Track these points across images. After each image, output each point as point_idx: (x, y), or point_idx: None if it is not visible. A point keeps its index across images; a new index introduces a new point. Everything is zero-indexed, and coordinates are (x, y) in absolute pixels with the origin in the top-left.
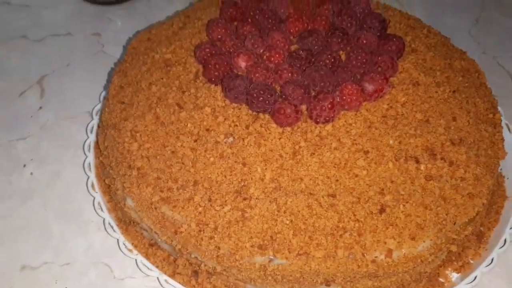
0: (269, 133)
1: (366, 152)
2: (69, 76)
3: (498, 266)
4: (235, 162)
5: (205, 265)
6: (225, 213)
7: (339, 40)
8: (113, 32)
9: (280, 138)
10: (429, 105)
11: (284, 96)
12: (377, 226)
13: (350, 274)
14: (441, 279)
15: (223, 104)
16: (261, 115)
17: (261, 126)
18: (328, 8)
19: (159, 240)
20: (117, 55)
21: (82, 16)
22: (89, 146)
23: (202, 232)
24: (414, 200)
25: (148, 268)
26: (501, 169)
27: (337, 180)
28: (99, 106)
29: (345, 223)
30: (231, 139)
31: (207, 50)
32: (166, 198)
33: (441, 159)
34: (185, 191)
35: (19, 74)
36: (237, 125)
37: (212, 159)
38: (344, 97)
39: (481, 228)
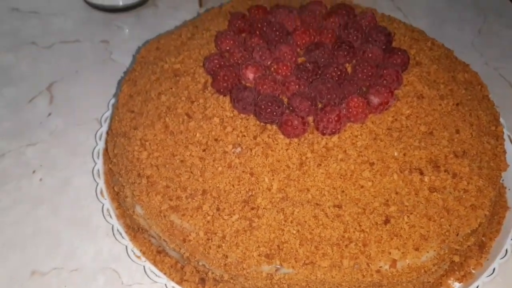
0: (277, 144)
1: (372, 164)
2: (78, 83)
3: (500, 276)
4: (243, 172)
5: (212, 273)
6: (233, 222)
7: (345, 53)
8: (121, 39)
9: (287, 149)
10: (433, 117)
11: (291, 108)
12: (382, 236)
13: (355, 283)
14: None
15: (232, 115)
16: (268, 126)
17: (268, 137)
18: (334, 21)
19: (167, 247)
20: (125, 62)
21: (90, 23)
22: (98, 153)
23: (210, 241)
24: (418, 211)
25: (156, 275)
26: (502, 180)
27: (343, 191)
28: (107, 113)
29: (351, 234)
30: (239, 149)
31: (216, 61)
32: (175, 206)
33: (445, 171)
34: (194, 200)
35: (28, 80)
36: (245, 136)
37: (220, 168)
38: (350, 110)
39: (483, 238)
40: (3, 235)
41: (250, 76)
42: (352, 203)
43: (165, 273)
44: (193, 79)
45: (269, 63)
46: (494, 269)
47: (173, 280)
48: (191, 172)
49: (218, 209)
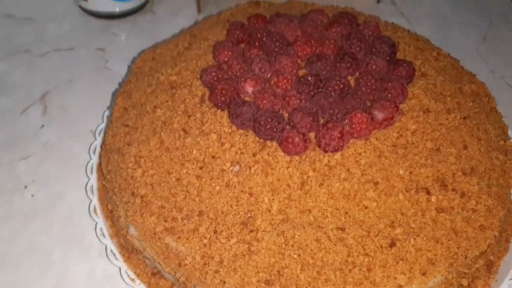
0: (277, 162)
1: (376, 183)
2: (72, 93)
3: None
4: (242, 191)
5: None
6: (231, 246)
7: (348, 65)
8: (117, 47)
9: (288, 167)
10: (440, 133)
11: (292, 124)
12: (387, 260)
13: None
14: None
15: (230, 130)
16: (268, 142)
17: (268, 154)
18: (336, 31)
19: (163, 271)
20: (120, 71)
21: (86, 30)
22: (92, 168)
23: (207, 265)
24: (425, 234)
25: None
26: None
27: (346, 213)
28: (102, 126)
29: (354, 258)
30: (237, 167)
31: (214, 74)
32: (170, 228)
33: (452, 190)
34: (190, 222)
35: (21, 90)
36: (243, 153)
37: (218, 188)
38: (354, 126)
39: (491, 257)
40: None
41: (249, 89)
42: (356, 225)
43: None
44: (190, 92)
45: (269, 75)
46: None
47: None
48: (187, 192)
49: (215, 232)
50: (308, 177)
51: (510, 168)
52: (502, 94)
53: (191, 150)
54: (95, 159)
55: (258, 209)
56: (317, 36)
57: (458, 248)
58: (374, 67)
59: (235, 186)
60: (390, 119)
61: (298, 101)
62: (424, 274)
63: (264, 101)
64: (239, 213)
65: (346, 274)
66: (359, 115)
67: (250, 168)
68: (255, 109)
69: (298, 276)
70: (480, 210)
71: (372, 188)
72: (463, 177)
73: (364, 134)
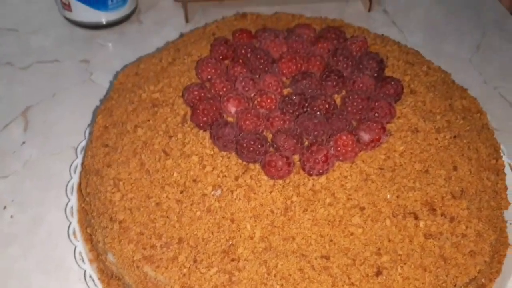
0: (260, 186)
1: (362, 208)
2: (55, 108)
3: None
4: (223, 217)
5: None
6: (211, 276)
7: (334, 83)
8: (103, 58)
9: (271, 192)
10: (429, 153)
11: (275, 146)
12: None
13: None
14: None
15: (212, 152)
16: (251, 165)
17: (251, 178)
18: (323, 47)
19: None
20: (105, 84)
21: (71, 41)
22: (72, 188)
23: None
24: (412, 261)
25: None
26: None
27: (331, 240)
28: (84, 143)
29: None
30: (219, 191)
31: (196, 93)
32: (149, 256)
33: (441, 214)
34: (169, 250)
35: (3, 105)
36: (225, 176)
37: (198, 213)
38: (339, 148)
39: (483, 280)
40: None
41: (232, 109)
42: (341, 253)
43: None
44: (172, 111)
45: (252, 95)
46: None
47: None
48: (167, 217)
49: (195, 261)
50: (292, 202)
51: (502, 188)
52: (495, 106)
53: (172, 173)
54: (75, 179)
55: (240, 236)
56: (303, 52)
57: (447, 276)
58: (361, 85)
59: (216, 212)
60: (377, 141)
61: (282, 122)
62: None
63: (247, 122)
64: (220, 241)
65: None
66: (344, 137)
67: (232, 192)
68: (237, 131)
69: None
70: (470, 235)
71: (358, 213)
72: (452, 201)
73: (349, 157)
